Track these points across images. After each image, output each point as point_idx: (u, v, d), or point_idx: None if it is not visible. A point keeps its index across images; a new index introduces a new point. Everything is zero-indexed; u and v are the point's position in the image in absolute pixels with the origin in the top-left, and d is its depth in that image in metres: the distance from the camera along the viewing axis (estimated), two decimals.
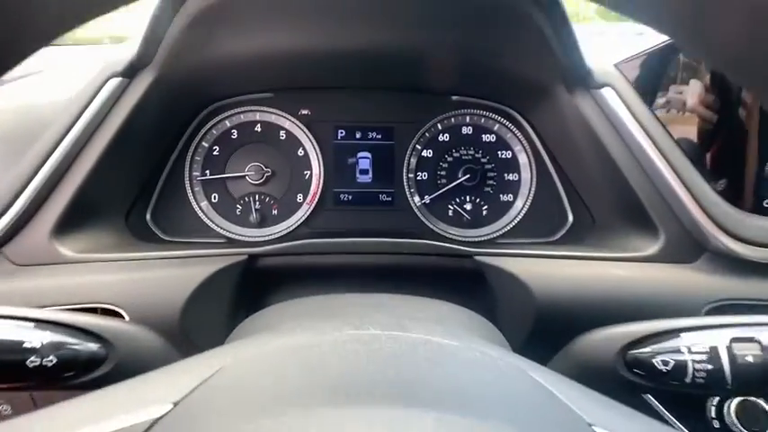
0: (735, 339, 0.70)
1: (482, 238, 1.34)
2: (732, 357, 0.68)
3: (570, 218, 1.33)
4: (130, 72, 1.07)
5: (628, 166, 1.09)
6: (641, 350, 0.74)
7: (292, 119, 1.34)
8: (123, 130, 1.07)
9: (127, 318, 0.97)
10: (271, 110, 1.34)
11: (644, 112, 1.08)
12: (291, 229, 1.33)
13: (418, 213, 1.35)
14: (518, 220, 1.35)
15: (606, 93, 1.10)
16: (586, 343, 0.78)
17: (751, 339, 0.70)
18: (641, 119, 1.07)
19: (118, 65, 1.06)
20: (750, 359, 0.68)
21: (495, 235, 1.35)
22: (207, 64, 1.14)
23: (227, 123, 1.34)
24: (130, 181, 1.21)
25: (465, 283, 1.20)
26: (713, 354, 0.68)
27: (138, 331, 0.75)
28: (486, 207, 1.37)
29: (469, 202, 1.37)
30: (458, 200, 1.37)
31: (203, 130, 1.32)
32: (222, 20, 1.01)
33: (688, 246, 1.07)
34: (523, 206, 1.36)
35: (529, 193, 1.36)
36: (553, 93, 1.16)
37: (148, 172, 1.25)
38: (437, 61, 1.18)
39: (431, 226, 1.35)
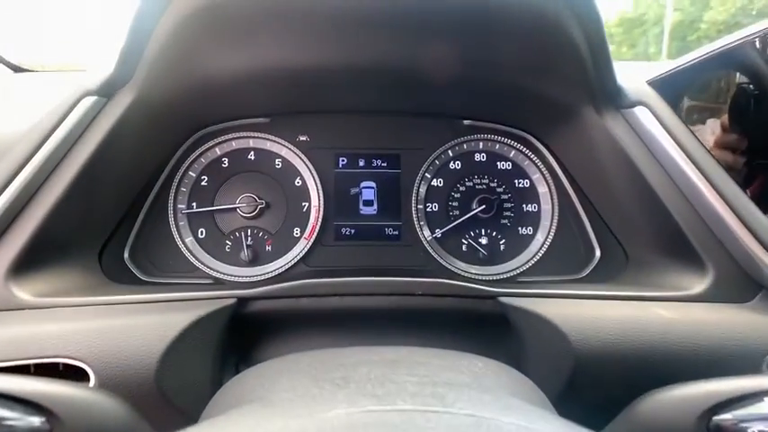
0: None
1: (500, 276, 1.21)
2: None
3: (597, 252, 1.20)
4: (108, 91, 0.95)
5: (667, 193, 0.97)
6: (725, 416, 0.59)
7: (289, 146, 1.23)
8: (98, 155, 0.94)
9: (92, 374, 0.82)
10: (266, 136, 1.23)
11: (683, 132, 0.97)
12: (287, 267, 1.20)
13: (429, 249, 1.22)
14: (540, 255, 1.22)
15: (639, 112, 0.99)
16: (656, 405, 0.63)
17: None
18: (680, 139, 0.96)
19: (94, 83, 0.94)
20: None
21: (514, 272, 1.22)
22: (194, 84, 1.02)
23: (218, 151, 1.23)
24: (105, 214, 1.07)
25: (484, 328, 1.05)
26: None
27: (95, 399, 0.59)
28: (503, 241, 1.24)
29: (485, 235, 1.24)
30: (472, 233, 1.24)
31: (190, 158, 1.21)
32: (208, 34, 0.90)
33: (741, 282, 0.95)
34: (545, 240, 1.23)
35: (550, 225, 1.24)
36: (579, 113, 1.05)
37: (127, 204, 1.12)
38: (450, 80, 1.07)
39: (443, 262, 1.21)
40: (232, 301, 0.97)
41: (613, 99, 1.00)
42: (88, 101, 0.93)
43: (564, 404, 0.79)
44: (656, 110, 0.98)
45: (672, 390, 0.64)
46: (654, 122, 0.98)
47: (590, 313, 0.94)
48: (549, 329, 0.92)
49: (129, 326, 0.87)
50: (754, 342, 0.89)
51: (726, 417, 0.60)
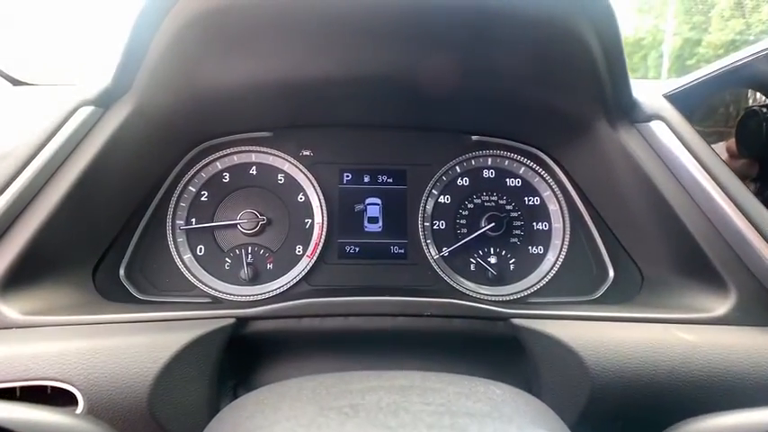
0: None
1: (510, 297, 1.17)
2: None
3: (611, 272, 1.16)
4: (105, 101, 0.92)
5: (685, 209, 0.94)
6: None
7: (292, 161, 1.20)
8: (93, 167, 0.91)
9: (81, 398, 0.77)
10: (268, 150, 1.20)
11: (702, 147, 0.93)
12: (288, 286, 1.16)
13: (436, 268, 1.18)
14: (551, 275, 1.18)
15: (655, 126, 0.96)
16: None
17: None
18: (699, 154, 0.93)
19: (90, 93, 0.91)
20: None
21: (525, 293, 1.18)
22: (194, 95, 0.99)
23: (219, 165, 1.20)
24: (101, 229, 1.04)
25: (494, 351, 1.00)
26: None
27: (81, 427, 0.55)
28: (513, 261, 1.20)
29: (494, 254, 1.20)
30: (481, 252, 1.21)
31: (190, 173, 1.18)
32: (209, 42, 0.87)
33: (766, 304, 0.90)
34: (556, 260, 1.19)
35: (562, 244, 1.20)
36: (592, 128, 1.01)
37: (123, 219, 1.09)
38: (457, 93, 1.04)
39: (451, 282, 1.17)
40: (231, 320, 0.92)
41: (628, 113, 0.98)
42: (84, 111, 0.90)
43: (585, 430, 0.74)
44: (672, 124, 0.95)
45: (713, 418, 0.59)
46: (671, 137, 0.94)
47: (607, 336, 0.89)
48: (565, 353, 0.87)
49: (121, 346, 0.82)
50: None
51: None
